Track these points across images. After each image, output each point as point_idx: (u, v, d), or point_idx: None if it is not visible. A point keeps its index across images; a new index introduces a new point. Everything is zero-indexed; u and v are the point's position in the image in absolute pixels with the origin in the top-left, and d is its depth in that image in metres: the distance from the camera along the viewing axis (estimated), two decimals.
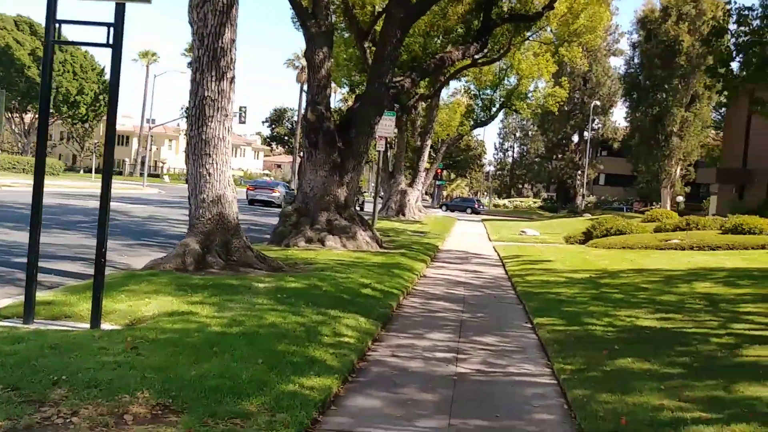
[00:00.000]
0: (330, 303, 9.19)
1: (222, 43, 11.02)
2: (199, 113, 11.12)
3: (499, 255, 21.06)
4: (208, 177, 11.27)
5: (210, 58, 10.99)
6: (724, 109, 65.54)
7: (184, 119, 57.87)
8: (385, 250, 18.25)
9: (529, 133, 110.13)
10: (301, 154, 18.09)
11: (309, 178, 17.44)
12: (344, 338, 7.53)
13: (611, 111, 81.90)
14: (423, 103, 43.21)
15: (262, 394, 5.31)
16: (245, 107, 53.47)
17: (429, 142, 41.86)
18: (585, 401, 5.92)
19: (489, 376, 7.00)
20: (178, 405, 4.94)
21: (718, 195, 47.46)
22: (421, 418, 5.51)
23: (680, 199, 59.37)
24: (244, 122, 54.91)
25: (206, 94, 11.05)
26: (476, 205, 74.54)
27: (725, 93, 10.89)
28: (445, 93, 59.34)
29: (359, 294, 10.38)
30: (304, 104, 22.99)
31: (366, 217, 23.03)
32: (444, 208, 71.07)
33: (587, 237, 26.08)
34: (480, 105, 49.90)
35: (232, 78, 11.38)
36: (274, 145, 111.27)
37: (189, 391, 5.17)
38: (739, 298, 11.65)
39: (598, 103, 73.22)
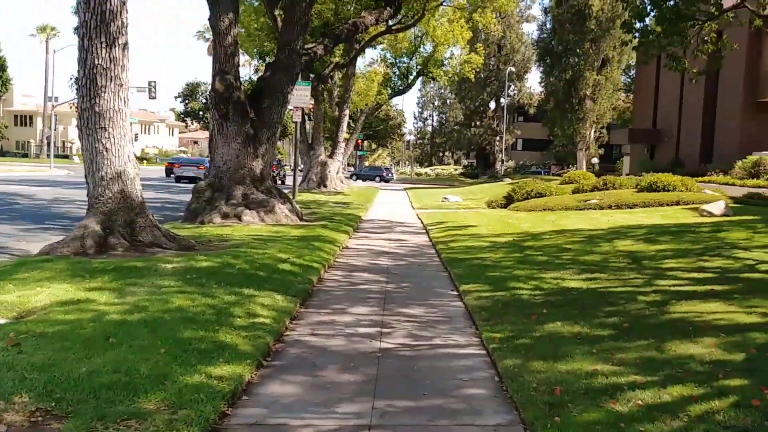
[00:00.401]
0: (244, 281, 8.59)
1: (111, 5, 10.09)
2: (90, 83, 10.20)
3: (422, 222, 20.77)
4: (105, 153, 10.39)
5: (98, 21, 10.04)
6: (633, 71, 67.15)
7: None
8: (306, 223, 17.67)
9: (448, 101, 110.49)
10: (212, 126, 17.16)
11: (221, 151, 16.61)
12: (259, 319, 6.97)
13: (526, 77, 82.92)
14: (339, 73, 42.44)
15: (162, 388, 4.73)
16: (155, 82, 51.43)
17: (347, 112, 41.15)
18: (516, 372, 5.57)
19: (415, 350, 6.58)
20: (62, 409, 4.31)
21: (631, 155, 48.69)
22: (343, 403, 5.03)
23: (595, 160, 60.62)
24: (154, 97, 52.78)
25: (96, 62, 10.12)
26: (384, 173, 74.31)
27: (641, 49, 10.68)
28: (362, 62, 58.82)
29: (276, 270, 9.80)
30: None
31: (286, 191, 22.36)
32: (354, 177, 70.53)
33: (508, 201, 26.10)
34: (397, 73, 49.40)
35: (125, 44, 10.46)
36: (188, 121, 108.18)
37: (76, 391, 4.54)
38: (661, 254, 11.63)
39: (513, 69, 73.84)
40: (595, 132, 56.95)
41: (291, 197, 20.26)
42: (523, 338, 6.66)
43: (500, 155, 76.40)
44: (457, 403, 5.13)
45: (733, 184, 27.94)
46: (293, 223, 17.11)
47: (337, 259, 12.67)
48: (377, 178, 71.11)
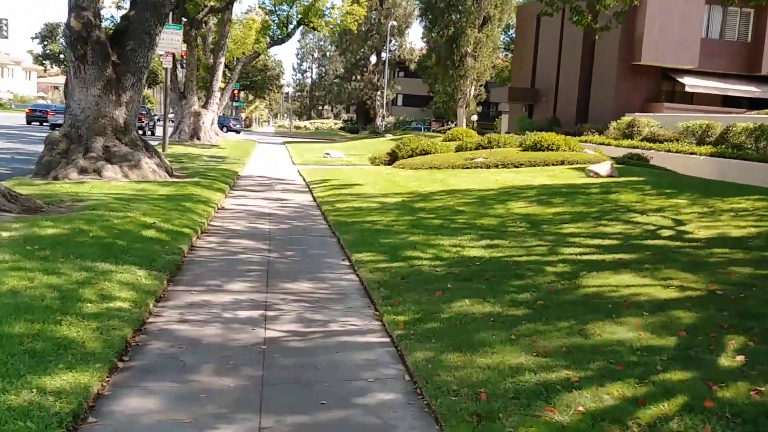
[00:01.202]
0: (99, 253, 7.23)
1: None
2: None
3: (305, 180, 19.63)
4: None
5: None
6: (512, 31, 67.85)
7: None
8: (176, 180, 16.13)
9: (328, 53, 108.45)
10: (69, 70, 15.18)
11: (78, 97, 14.72)
12: (115, 303, 5.73)
13: (407, 32, 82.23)
14: (214, 18, 40.03)
15: None
16: (6, 20, 46.67)
17: (223, 60, 38.87)
18: (430, 369, 4.69)
19: (307, 339, 5.58)
20: None
21: (509, 114, 49.19)
22: (220, 422, 3.97)
23: (474, 118, 61.16)
24: (6, 37, 48.04)
25: None
26: (231, 124, 69.64)
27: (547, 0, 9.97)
28: (239, 9, 56.04)
29: (140, 238, 8.46)
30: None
31: (155, 143, 20.57)
32: None
33: (393, 158, 25.34)
34: (276, 21, 47.32)
35: None
36: (48, 65, 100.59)
37: None
38: (558, 218, 11.12)
39: (395, 23, 72.90)
40: (475, 90, 57.18)
41: (160, 151, 18.55)
42: (431, 321, 5.80)
43: (381, 110, 75.66)
44: (365, 415, 4.18)
45: (609, 144, 28.44)
46: (162, 180, 15.56)
47: (211, 223, 11.39)
48: (224, 129, 66.79)
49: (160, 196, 12.66)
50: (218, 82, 39.30)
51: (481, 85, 60.86)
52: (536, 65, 45.11)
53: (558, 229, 10.14)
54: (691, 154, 23.26)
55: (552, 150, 21.58)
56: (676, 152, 23.63)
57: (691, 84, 32.66)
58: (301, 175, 21.21)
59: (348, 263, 8.59)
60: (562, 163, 19.89)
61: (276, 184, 18.94)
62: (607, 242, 8.92)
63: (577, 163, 19.63)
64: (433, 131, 64.31)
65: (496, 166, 20.32)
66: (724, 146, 22.85)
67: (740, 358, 4.74)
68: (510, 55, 70.84)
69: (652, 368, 4.62)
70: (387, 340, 5.61)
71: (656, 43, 32.40)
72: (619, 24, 10.55)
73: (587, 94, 37.41)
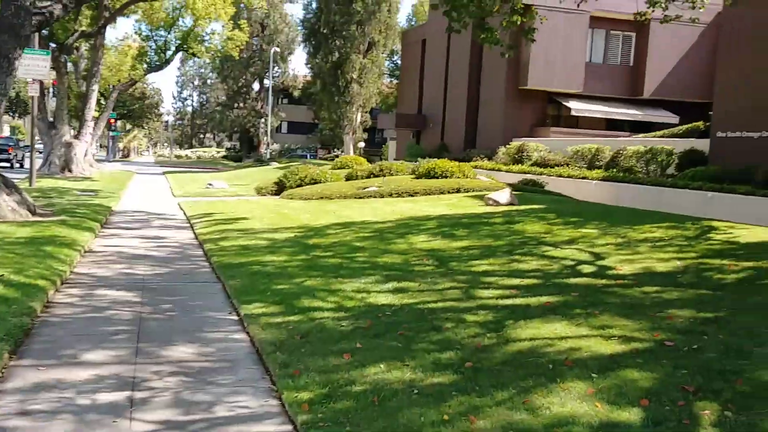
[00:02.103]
0: None
1: None
2: None
3: (185, 214, 18.10)
4: None
5: None
6: (397, 57, 68.25)
7: None
8: (40, 219, 14.32)
9: (209, 81, 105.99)
10: None
11: None
12: None
13: (290, 58, 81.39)
14: (87, 43, 37.66)
15: None
16: None
17: (96, 88, 36.39)
18: None
19: None
20: None
21: (397, 140, 48.97)
22: None
23: (361, 145, 60.76)
24: None
25: None
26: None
27: (453, 15, 9.22)
28: (114, 35, 53.16)
29: None
30: None
31: (24, 176, 18.50)
32: None
33: (280, 188, 24.14)
34: (153, 47, 45.21)
35: None
36: None
37: None
38: (466, 254, 10.29)
39: (277, 49, 71.76)
40: (361, 116, 56.79)
41: (19, 186, 16.57)
42: (342, 399, 4.72)
43: (265, 138, 73.96)
44: None
45: (500, 170, 28.37)
46: (22, 220, 13.73)
47: (75, 269, 9.86)
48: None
49: (17, 240, 10.98)
50: (91, 111, 36.77)
51: (366, 112, 60.64)
52: (423, 91, 45.14)
53: (469, 267, 9.29)
54: (583, 178, 23.35)
55: (446, 177, 21.04)
56: (568, 177, 23.66)
57: (577, 108, 33.29)
58: (181, 209, 19.65)
59: (236, 317, 7.37)
60: (458, 191, 19.31)
61: (153, 219, 17.33)
62: (526, 281, 8.13)
63: (474, 191, 19.10)
64: (320, 159, 63.48)
65: (390, 195, 19.51)
66: (615, 170, 23.05)
67: None
68: (395, 81, 71.17)
69: None
70: (290, 428, 4.48)
71: (542, 68, 32.86)
72: (531, 40, 9.98)
73: (475, 120, 37.55)
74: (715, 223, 11.88)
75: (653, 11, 12.06)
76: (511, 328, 6.25)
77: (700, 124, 26.23)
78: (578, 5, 12.61)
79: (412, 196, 19.28)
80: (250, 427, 4.48)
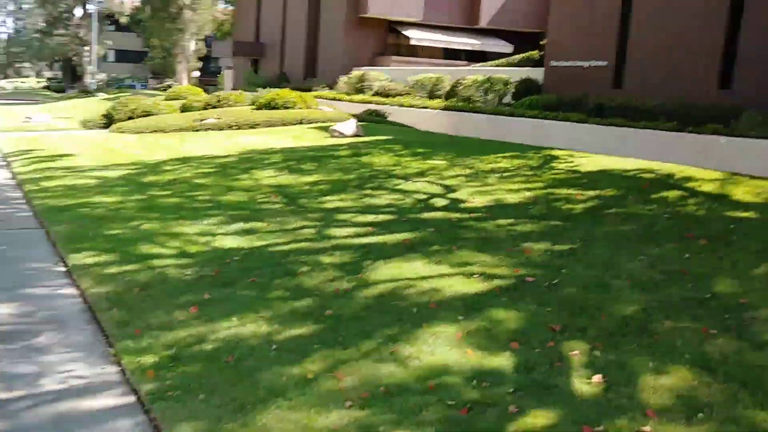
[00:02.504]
0: None
1: None
2: None
3: (1, 152, 16.31)
4: None
5: None
6: None
7: None
8: None
9: (24, 6, 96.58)
10: None
11: None
12: None
13: None
14: None
15: None
16: None
17: None
18: None
19: (8, 413, 3.70)
20: None
21: (234, 70, 47.04)
22: None
23: (196, 74, 57.99)
24: None
25: None
26: None
27: None
28: None
29: None
30: None
31: None
32: None
33: (109, 121, 22.36)
34: None
35: None
36: None
37: None
38: (316, 189, 9.82)
39: None
40: (195, 44, 53.97)
41: None
42: (193, 361, 4.22)
43: (90, 67, 68.71)
44: None
45: (341, 100, 27.90)
46: None
47: None
48: None
49: None
50: None
51: (201, 40, 57.74)
52: (260, 18, 43.35)
53: (320, 204, 8.86)
54: (424, 108, 23.39)
55: (288, 108, 20.30)
56: (410, 107, 23.61)
57: (416, 37, 33.23)
58: None
59: (63, 268, 6.55)
60: (301, 122, 18.69)
61: None
62: (381, 218, 7.82)
63: (317, 122, 18.55)
64: (152, 89, 59.95)
65: (230, 128, 18.55)
66: (455, 99, 23.23)
67: (597, 378, 3.83)
68: (231, 8, 68.02)
69: (504, 410, 3.52)
70: (133, 399, 3.92)
71: None
72: None
73: (315, 48, 36.61)
74: (555, 152, 12.13)
75: None
76: (371, 270, 5.94)
77: (535, 53, 26.96)
78: None
79: (253, 128, 18.43)
80: (85, 401, 3.88)
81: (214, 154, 14.07)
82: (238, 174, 11.48)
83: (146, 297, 5.39)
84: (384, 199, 8.91)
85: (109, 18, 75.74)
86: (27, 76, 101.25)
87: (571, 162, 10.91)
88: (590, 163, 10.77)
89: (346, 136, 15.40)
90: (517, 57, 28.33)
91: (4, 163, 14.59)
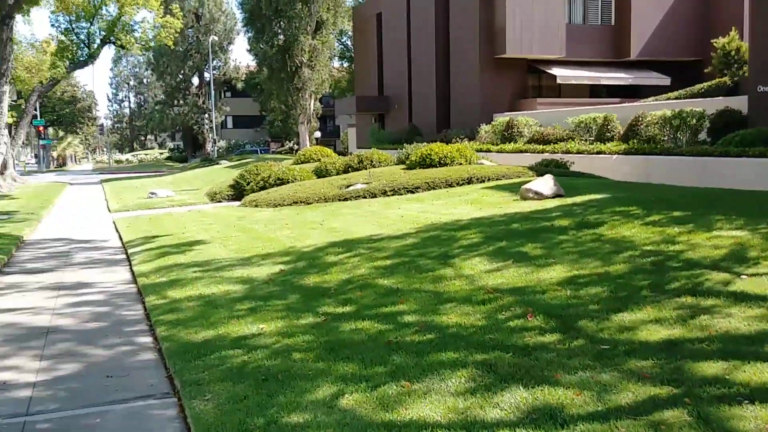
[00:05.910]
0: None
1: None
2: None
3: (121, 238, 13.71)
4: None
5: None
6: (346, 38, 63.77)
7: None
8: None
9: (145, 80, 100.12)
10: None
11: None
12: None
13: (230, 48, 76.03)
14: None
15: None
16: None
17: (7, 89, 31.21)
18: None
19: None
20: None
21: (357, 127, 44.68)
22: None
23: (317, 134, 56.30)
24: None
25: None
26: None
27: None
28: (27, 31, 47.71)
29: None
30: None
31: None
32: None
33: (239, 192, 19.82)
34: (76, 41, 39.95)
35: None
36: None
37: None
38: (579, 295, 6.17)
39: (216, 38, 66.63)
40: (314, 103, 52.24)
41: None
42: None
43: (210, 135, 68.79)
44: None
45: (489, 150, 24.44)
46: None
47: None
48: None
49: None
50: (5, 117, 31.60)
51: (318, 99, 56.17)
52: (383, 70, 40.86)
53: (622, 333, 5.16)
54: (599, 153, 19.57)
55: (445, 165, 16.99)
56: (577, 152, 19.87)
57: (562, 75, 29.45)
58: (116, 229, 15.23)
59: None
60: (470, 181, 15.21)
61: (77, 251, 12.88)
62: None
63: (491, 180, 15.03)
64: (274, 153, 58.81)
65: (385, 194, 15.31)
66: (635, 140, 19.27)
67: None
68: (346, 64, 66.59)
69: None
70: None
71: (519, 33, 28.88)
72: None
73: (448, 96, 33.46)
74: None
75: None
76: None
77: (726, 79, 22.58)
78: None
79: (412, 192, 15.12)
80: None
81: (382, 233, 10.72)
82: (434, 266, 7.99)
83: None
84: (718, 319, 5.08)
85: (226, 84, 76.25)
86: (151, 148, 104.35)
87: None
88: None
89: (545, 197, 11.74)
90: (696, 87, 23.95)
91: (124, 255, 11.86)
